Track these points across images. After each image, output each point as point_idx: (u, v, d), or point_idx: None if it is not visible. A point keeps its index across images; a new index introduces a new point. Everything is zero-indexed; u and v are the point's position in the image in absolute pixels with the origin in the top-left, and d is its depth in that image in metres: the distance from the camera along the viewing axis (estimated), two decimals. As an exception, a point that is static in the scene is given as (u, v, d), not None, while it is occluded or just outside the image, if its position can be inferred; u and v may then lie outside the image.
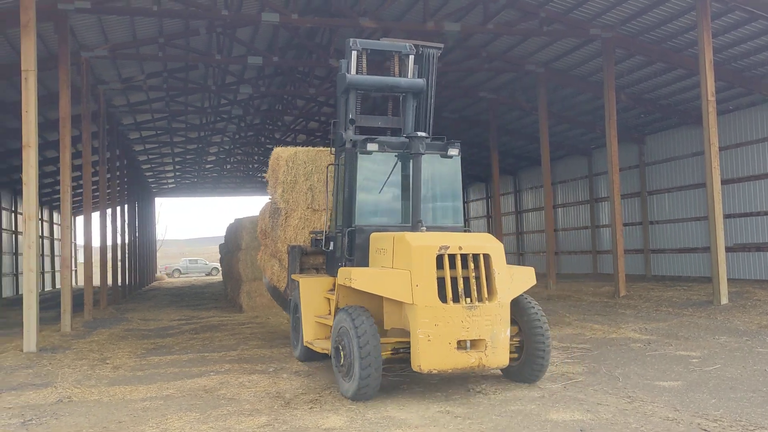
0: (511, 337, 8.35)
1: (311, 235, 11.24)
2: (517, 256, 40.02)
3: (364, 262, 9.10)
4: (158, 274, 63.19)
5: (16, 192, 36.97)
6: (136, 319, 19.53)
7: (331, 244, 10.18)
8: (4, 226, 36.56)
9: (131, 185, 40.26)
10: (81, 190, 23.78)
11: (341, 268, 8.85)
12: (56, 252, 45.77)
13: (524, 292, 8.77)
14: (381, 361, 7.86)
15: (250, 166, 49.44)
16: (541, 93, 23.56)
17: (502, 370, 8.76)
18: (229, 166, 49.78)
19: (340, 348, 8.25)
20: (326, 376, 9.45)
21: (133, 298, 30.89)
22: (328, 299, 9.89)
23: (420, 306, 7.77)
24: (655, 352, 10.69)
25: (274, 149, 13.80)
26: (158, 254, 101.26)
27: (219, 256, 49.78)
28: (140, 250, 44.26)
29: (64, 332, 16.14)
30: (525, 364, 8.57)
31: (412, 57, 10.33)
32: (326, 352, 9.05)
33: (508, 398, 7.92)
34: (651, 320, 14.40)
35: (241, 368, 10.27)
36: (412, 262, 7.96)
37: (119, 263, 35.70)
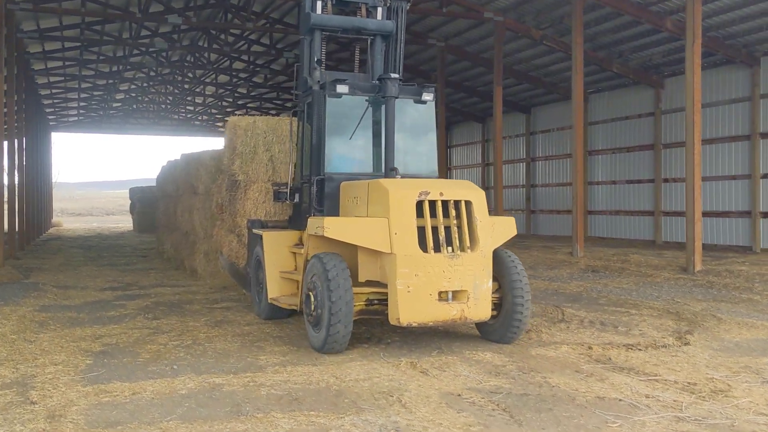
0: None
1: (273, 188, 10.81)
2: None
3: (334, 212, 8.75)
4: (54, 220, 55.60)
5: None
6: (50, 287, 13.89)
7: (297, 195, 9.76)
8: None
9: (28, 116, 33.49)
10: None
11: (311, 218, 8.44)
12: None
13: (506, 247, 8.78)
14: (352, 309, 7.47)
15: (163, 106, 43.12)
16: (439, 66, 25.33)
17: (479, 329, 8.59)
18: (135, 105, 43.24)
19: (311, 296, 7.89)
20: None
21: (33, 250, 24.67)
22: (294, 254, 9.54)
23: (399, 255, 7.47)
24: None
25: (230, 118, 13.30)
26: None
27: (129, 202, 43.99)
28: (35, 192, 37.21)
29: (-57, 312, 10.50)
30: (502, 323, 8.15)
31: (380, 9, 9.71)
32: (293, 308, 8.80)
33: None
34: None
35: (316, 428, 5.26)
36: (390, 209, 7.61)
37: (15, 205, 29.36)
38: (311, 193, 8.99)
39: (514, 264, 8.26)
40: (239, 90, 38.19)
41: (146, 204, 36.28)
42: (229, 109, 44.04)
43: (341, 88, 8.79)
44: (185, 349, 8.01)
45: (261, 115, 42.46)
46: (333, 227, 7.72)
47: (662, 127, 23.64)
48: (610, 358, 7.44)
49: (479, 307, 7.70)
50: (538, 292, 12.72)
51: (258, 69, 32.50)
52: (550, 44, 22.18)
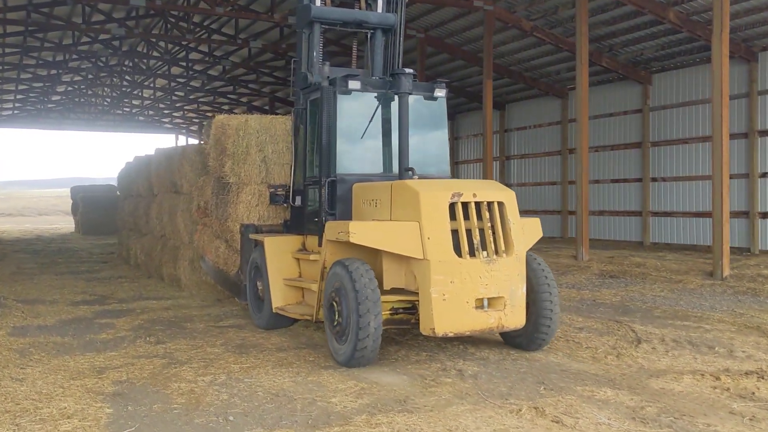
0: None
1: (270, 190, 10.38)
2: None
3: (347, 216, 8.25)
4: (-16, 221, 52.06)
5: None
6: (12, 301, 12.01)
7: (298, 198, 9.27)
8: None
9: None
10: None
11: (330, 222, 7.83)
12: None
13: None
14: (381, 321, 6.93)
15: (108, 100, 40.35)
16: (419, 59, 23.76)
17: (501, 335, 8.11)
18: (78, 99, 40.23)
19: (335, 306, 7.32)
20: None
21: (-28, 255, 22.27)
22: (298, 260, 9.12)
23: (433, 261, 6.95)
24: None
25: (217, 117, 12.38)
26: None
27: (71, 202, 40.99)
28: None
29: None
30: (529, 329, 7.66)
31: (380, 2, 9.36)
32: (307, 318, 8.40)
33: None
34: None
35: None
36: (421, 212, 7.07)
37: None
38: (321, 195, 8.44)
39: (541, 268, 7.90)
40: (192, 83, 36.01)
41: (91, 204, 33.99)
42: (179, 104, 41.74)
43: (353, 84, 8.32)
44: (226, 388, 6.41)
45: (214, 110, 40.44)
46: (359, 232, 7.20)
47: (650, 124, 22.85)
48: (753, 393, 6.19)
49: (515, 315, 7.32)
50: (575, 302, 11.52)
51: (218, 60, 30.53)
52: (540, 36, 21.10)
